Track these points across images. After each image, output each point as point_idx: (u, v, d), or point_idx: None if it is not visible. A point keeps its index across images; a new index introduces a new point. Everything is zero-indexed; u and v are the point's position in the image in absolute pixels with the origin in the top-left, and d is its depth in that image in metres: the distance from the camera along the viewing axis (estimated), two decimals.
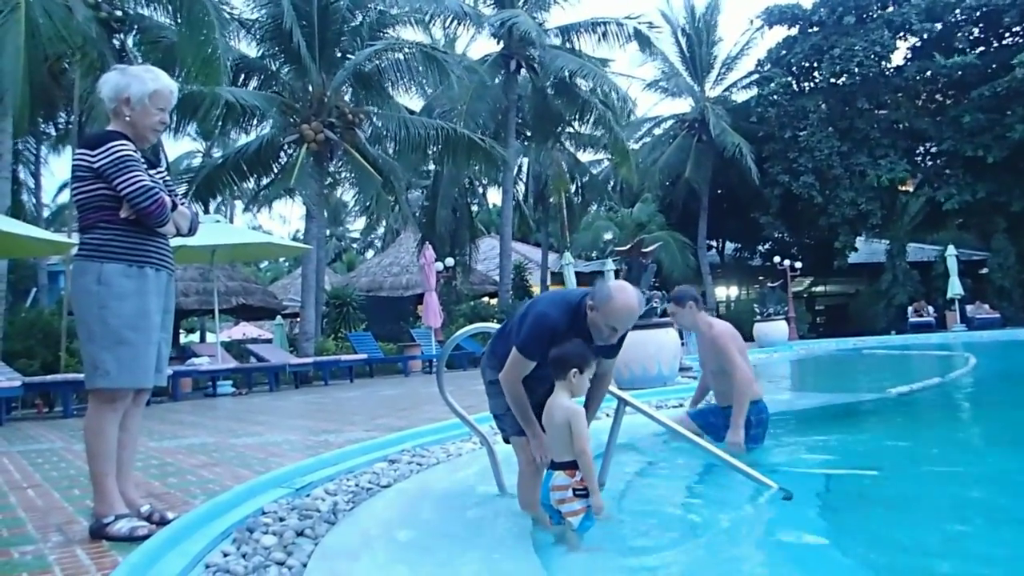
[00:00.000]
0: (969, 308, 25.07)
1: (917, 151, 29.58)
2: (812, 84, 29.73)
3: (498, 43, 22.54)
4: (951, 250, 24.77)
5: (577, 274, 24.07)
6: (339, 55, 17.43)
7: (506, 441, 3.49)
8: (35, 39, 10.81)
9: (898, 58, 28.63)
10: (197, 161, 33.61)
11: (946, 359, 14.32)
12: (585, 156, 32.41)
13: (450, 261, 22.39)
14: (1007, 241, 26.28)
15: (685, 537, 3.22)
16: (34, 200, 22.42)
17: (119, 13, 14.07)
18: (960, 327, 23.76)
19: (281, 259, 43.86)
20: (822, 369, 15.61)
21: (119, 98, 3.15)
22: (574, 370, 3.00)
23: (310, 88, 16.80)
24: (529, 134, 25.63)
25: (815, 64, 29.06)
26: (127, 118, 3.16)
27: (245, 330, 30.24)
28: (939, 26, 27.45)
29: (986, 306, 25.54)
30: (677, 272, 27.48)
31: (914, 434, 6.44)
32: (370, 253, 48.13)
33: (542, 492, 3.06)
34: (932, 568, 2.86)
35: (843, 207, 27.16)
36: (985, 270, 27.32)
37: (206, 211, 17.03)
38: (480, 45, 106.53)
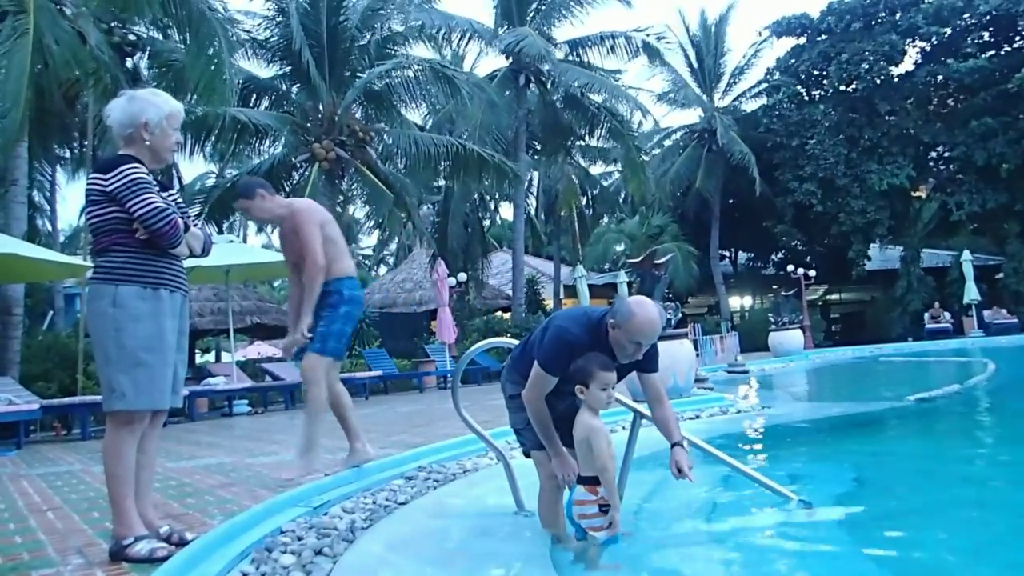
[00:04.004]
0: (986, 313, 24.85)
1: (929, 156, 29.47)
2: (821, 91, 29.74)
3: (507, 59, 22.63)
4: (966, 255, 24.58)
5: (590, 287, 24.02)
6: (349, 74, 17.55)
7: (526, 455, 3.47)
8: (47, 66, 10.92)
9: (908, 63, 28.60)
10: (211, 182, 33.88)
11: (965, 365, 14.19)
12: (596, 169, 32.48)
13: (463, 276, 22.40)
14: (1022, 246, 26.08)
15: (705, 552, 3.20)
16: (49, 224, 22.65)
17: (132, 37, 14.22)
18: (978, 333, 23.55)
19: None
20: (840, 378, 15.49)
21: (136, 124, 3.17)
22: (579, 386, 3.00)
23: (320, 107, 16.91)
24: (539, 148, 25.68)
25: (823, 71, 29.09)
26: (146, 142, 3.18)
27: (260, 349, 30.27)
28: (948, 31, 27.36)
29: (1003, 311, 25.31)
30: (680, 283, 27.33)
31: (936, 442, 6.38)
32: (382, 269, 48.24)
33: (566, 505, 3.06)
34: None
35: (853, 215, 27.13)
36: (1000, 275, 27.10)
37: (220, 231, 17.13)
38: (489, 61, 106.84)
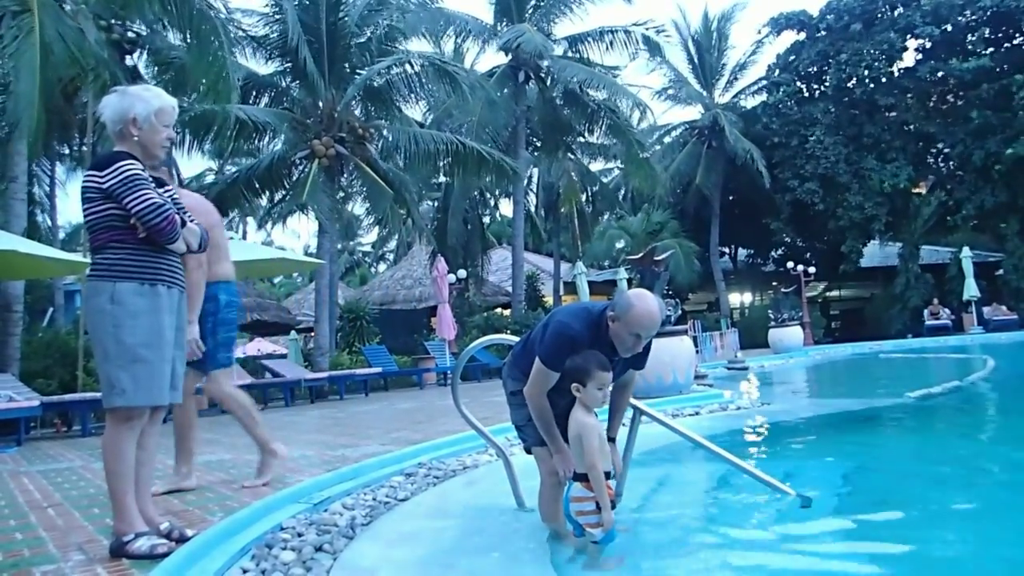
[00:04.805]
0: (986, 310, 24.86)
1: (929, 152, 29.46)
2: (821, 89, 29.73)
3: (506, 55, 22.61)
4: (966, 252, 24.58)
5: (590, 283, 24.02)
6: (348, 70, 17.53)
7: (527, 452, 3.47)
8: (49, 62, 10.90)
9: (908, 60, 28.58)
10: (210, 179, 33.85)
11: (964, 362, 14.20)
12: (596, 165, 32.45)
13: (462, 273, 22.40)
14: (1022, 242, 26.09)
15: (704, 547, 3.20)
16: (49, 220, 22.62)
17: (131, 34, 14.20)
18: (977, 329, 23.56)
19: (295, 274, 43.97)
20: (839, 374, 15.50)
21: (125, 119, 3.17)
22: (575, 384, 3.01)
23: (320, 104, 16.90)
24: (539, 144, 25.68)
25: (823, 69, 29.08)
26: (135, 138, 3.18)
27: (260, 346, 30.21)
28: (948, 28, 27.30)
29: (1003, 308, 25.32)
30: (682, 278, 27.37)
31: (935, 438, 6.38)
32: (382, 266, 48.21)
33: (563, 502, 3.06)
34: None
35: (850, 211, 27.16)
36: (1000, 271, 27.11)
37: None
38: (488, 58, 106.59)
